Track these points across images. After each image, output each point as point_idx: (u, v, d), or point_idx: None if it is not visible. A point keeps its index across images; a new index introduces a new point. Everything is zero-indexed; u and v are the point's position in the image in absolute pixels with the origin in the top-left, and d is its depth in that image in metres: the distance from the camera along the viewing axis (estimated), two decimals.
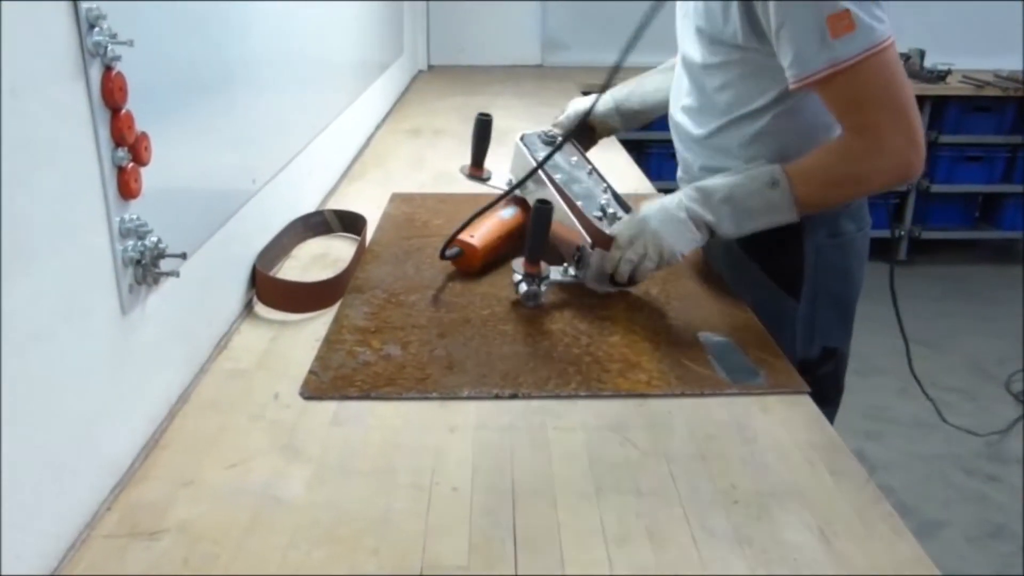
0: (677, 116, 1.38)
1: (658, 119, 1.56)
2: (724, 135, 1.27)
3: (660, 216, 1.17)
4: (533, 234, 1.18)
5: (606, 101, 1.53)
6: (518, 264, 1.19)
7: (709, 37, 1.21)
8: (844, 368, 1.41)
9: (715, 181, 1.17)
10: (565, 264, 1.26)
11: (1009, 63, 4.12)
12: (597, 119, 1.53)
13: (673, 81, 1.41)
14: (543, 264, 1.19)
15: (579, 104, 1.53)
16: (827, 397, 1.34)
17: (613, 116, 1.53)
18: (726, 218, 1.16)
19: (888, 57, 1.08)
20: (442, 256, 1.29)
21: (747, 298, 1.26)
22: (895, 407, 2.92)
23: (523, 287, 1.18)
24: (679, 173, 1.43)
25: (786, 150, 1.19)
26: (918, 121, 1.11)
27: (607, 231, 1.19)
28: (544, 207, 1.17)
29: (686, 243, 1.17)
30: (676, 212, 1.17)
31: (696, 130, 1.31)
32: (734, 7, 1.14)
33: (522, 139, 1.45)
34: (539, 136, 1.45)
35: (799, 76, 1.10)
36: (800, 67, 1.09)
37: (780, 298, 1.30)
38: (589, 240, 1.20)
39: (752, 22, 1.13)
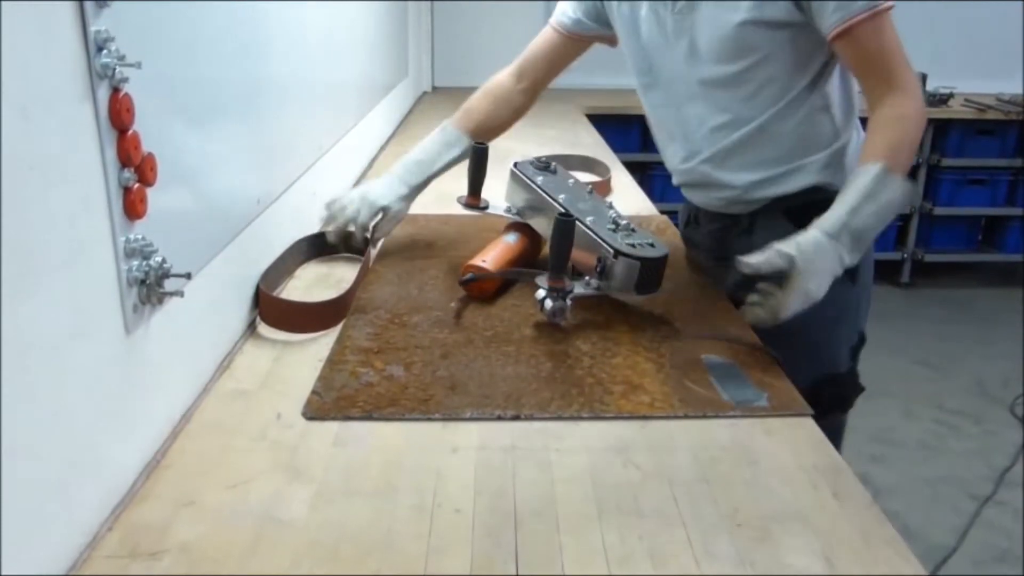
0: (689, 147, 1.39)
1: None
2: (767, 137, 1.30)
3: (821, 280, 1.11)
4: (557, 248, 1.18)
5: (397, 189, 1.46)
6: (542, 280, 1.20)
7: (750, 33, 1.23)
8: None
9: (861, 218, 1.12)
10: (587, 277, 1.26)
11: (1010, 87, 4.14)
12: (390, 210, 1.45)
13: (671, 122, 1.41)
14: (566, 279, 1.19)
15: (365, 197, 1.44)
16: (859, 383, 1.41)
17: (405, 208, 1.49)
18: (870, 238, 1.17)
19: (890, 19, 1.17)
20: (462, 283, 1.29)
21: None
22: (900, 430, 2.91)
23: (549, 303, 1.18)
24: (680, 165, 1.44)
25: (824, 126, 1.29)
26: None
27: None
28: (567, 220, 1.17)
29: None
30: (833, 267, 1.12)
31: (729, 141, 1.33)
32: None
33: (515, 166, 1.46)
34: (531, 163, 1.47)
35: (844, 19, 1.15)
36: (844, 10, 1.15)
37: (846, 288, 1.30)
38: (611, 251, 1.20)
39: None
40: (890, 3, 1.16)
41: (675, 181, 1.48)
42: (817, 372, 1.30)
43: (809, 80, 1.27)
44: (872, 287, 1.41)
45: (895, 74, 1.18)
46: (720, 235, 1.44)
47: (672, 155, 1.44)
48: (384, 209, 1.44)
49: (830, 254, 1.10)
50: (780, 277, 1.10)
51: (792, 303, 1.09)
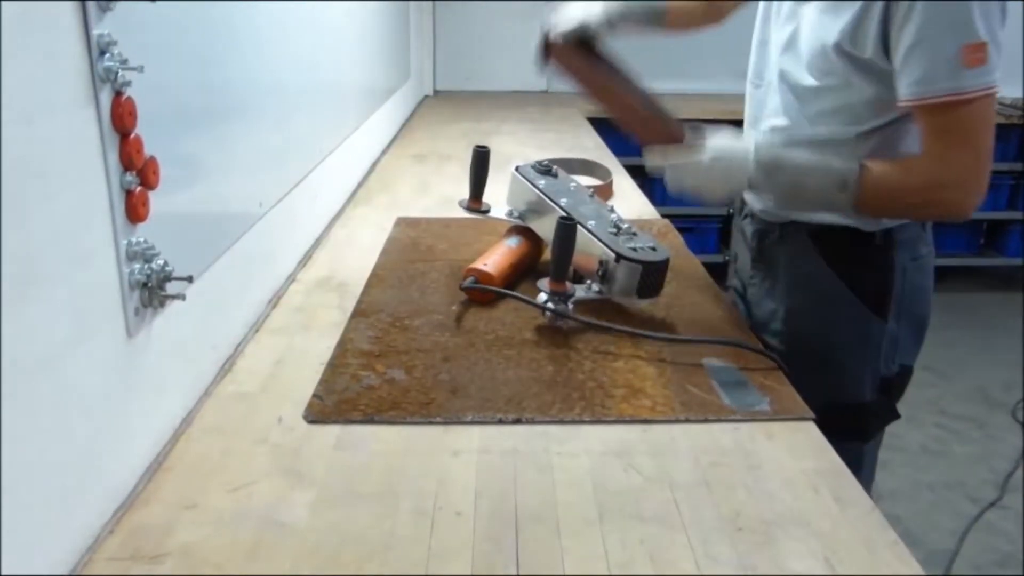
0: (759, 138, 1.38)
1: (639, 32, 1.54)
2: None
3: (723, 168, 1.19)
4: (558, 251, 1.18)
5: (597, 13, 1.45)
6: (543, 284, 1.20)
7: (826, 56, 1.20)
8: (908, 382, 1.44)
9: (790, 157, 1.17)
10: (588, 281, 1.26)
11: (1012, 91, 4.13)
12: (592, 30, 1.43)
13: (749, 100, 1.41)
14: (568, 282, 1.20)
15: (571, 12, 1.42)
16: (894, 411, 1.40)
17: (604, 26, 1.45)
18: (780, 196, 1.18)
19: (993, 103, 1.11)
20: (463, 287, 1.29)
21: (831, 319, 1.29)
22: (901, 435, 2.91)
23: (550, 307, 1.19)
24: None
25: None
26: (989, 171, 1.14)
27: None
28: (569, 223, 1.17)
29: (723, 193, 1.21)
30: (740, 171, 1.18)
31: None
32: (873, 22, 1.13)
33: (517, 170, 1.46)
34: (533, 167, 1.47)
35: (920, 95, 1.10)
36: (925, 86, 1.09)
37: (868, 318, 1.31)
38: (612, 254, 1.20)
39: (884, 37, 1.13)
40: (979, 92, 1.08)
41: None
42: (831, 399, 1.30)
43: (874, 127, 1.21)
44: (927, 318, 1.39)
45: (954, 158, 1.12)
46: (759, 236, 1.44)
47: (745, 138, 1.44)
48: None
49: (738, 154, 1.18)
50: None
51: (678, 162, 1.19)
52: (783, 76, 1.29)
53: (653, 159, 1.22)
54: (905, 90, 1.11)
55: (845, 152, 1.21)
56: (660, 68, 1.48)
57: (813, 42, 1.22)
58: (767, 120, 1.34)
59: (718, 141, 1.20)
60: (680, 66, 3.78)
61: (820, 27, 1.20)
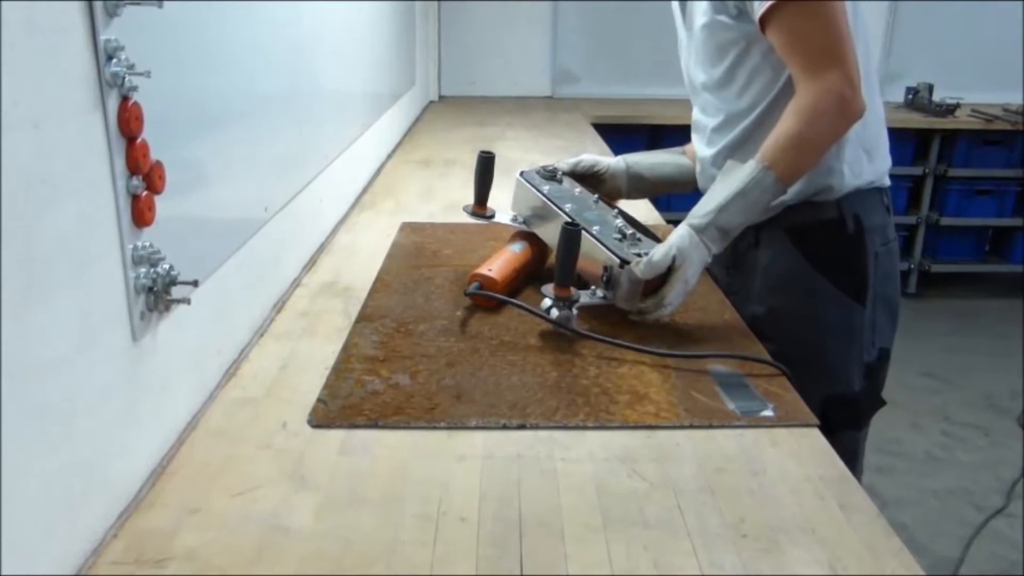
0: (704, 151, 1.42)
1: (663, 195, 1.71)
2: (764, 130, 1.29)
3: (695, 271, 1.21)
4: (563, 257, 1.18)
5: (617, 161, 1.56)
6: (548, 289, 1.20)
7: (716, 33, 1.27)
8: (887, 366, 1.46)
9: (728, 215, 1.20)
10: (593, 287, 1.26)
11: (1016, 97, 4.13)
12: (607, 173, 1.54)
13: (694, 119, 1.45)
14: (572, 288, 1.19)
15: (592, 156, 1.56)
16: (880, 398, 1.44)
17: (622, 175, 1.55)
18: (736, 233, 1.23)
19: (836, 3, 1.17)
20: (467, 293, 1.29)
21: (816, 312, 1.32)
22: (906, 442, 2.90)
23: (554, 312, 1.19)
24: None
25: None
26: (853, 60, 1.19)
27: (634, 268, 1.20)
28: (573, 229, 1.17)
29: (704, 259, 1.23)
30: (703, 256, 1.21)
31: (728, 140, 1.36)
32: None
33: (522, 175, 1.46)
34: (538, 171, 1.47)
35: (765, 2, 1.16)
36: None
37: (851, 308, 1.34)
38: (617, 260, 1.20)
39: None
40: None
41: (699, 185, 1.50)
42: (827, 391, 1.31)
43: (777, 94, 1.27)
44: (898, 302, 1.42)
45: (814, 62, 1.18)
46: (732, 245, 1.45)
47: (697, 160, 1.47)
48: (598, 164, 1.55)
49: (700, 246, 1.21)
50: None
51: (675, 294, 1.20)
52: (703, 85, 1.37)
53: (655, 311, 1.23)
54: (757, 7, 1.18)
55: (768, 128, 1.26)
56: (661, 71, 1.49)
57: (704, 25, 1.29)
58: (706, 127, 1.40)
59: (674, 249, 1.21)
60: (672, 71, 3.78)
61: (696, 18, 1.29)
